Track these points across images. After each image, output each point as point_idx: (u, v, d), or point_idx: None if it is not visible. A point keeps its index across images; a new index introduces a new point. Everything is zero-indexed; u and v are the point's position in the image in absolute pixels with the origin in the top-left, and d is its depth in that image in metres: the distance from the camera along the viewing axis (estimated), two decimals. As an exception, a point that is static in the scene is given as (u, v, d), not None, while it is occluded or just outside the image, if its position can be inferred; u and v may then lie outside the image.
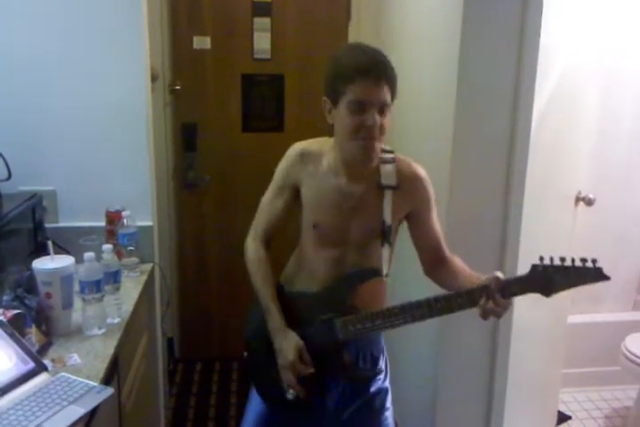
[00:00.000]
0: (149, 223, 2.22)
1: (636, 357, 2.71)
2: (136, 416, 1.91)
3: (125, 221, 2.05)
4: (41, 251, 1.85)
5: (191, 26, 3.18)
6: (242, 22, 3.22)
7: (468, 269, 1.64)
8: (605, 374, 3.15)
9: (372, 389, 1.75)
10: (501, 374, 2.15)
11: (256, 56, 3.26)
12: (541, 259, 1.39)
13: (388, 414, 1.80)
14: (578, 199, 2.55)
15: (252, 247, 1.72)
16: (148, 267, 2.16)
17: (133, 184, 2.20)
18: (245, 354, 1.79)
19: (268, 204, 1.72)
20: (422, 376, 2.37)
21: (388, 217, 1.60)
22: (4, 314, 1.45)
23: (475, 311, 2.09)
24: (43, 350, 1.52)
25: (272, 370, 1.65)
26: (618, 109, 3.09)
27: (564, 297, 2.66)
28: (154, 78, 2.79)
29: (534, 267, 1.40)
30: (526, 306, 2.20)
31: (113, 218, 2.09)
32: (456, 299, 1.47)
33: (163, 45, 3.16)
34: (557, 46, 2.07)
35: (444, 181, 2.07)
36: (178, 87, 3.20)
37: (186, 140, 3.28)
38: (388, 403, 1.80)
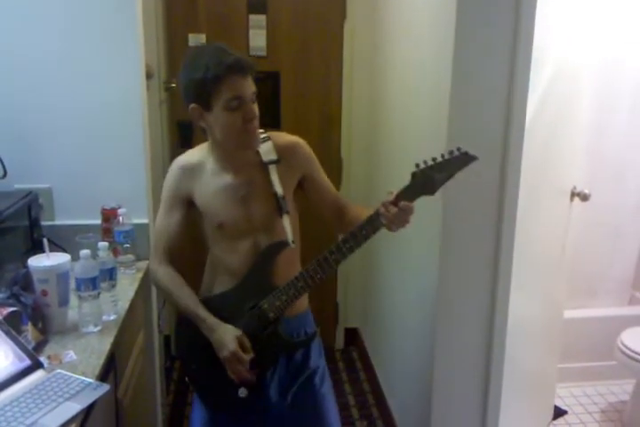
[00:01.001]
0: (145, 221, 2.23)
1: (632, 351, 2.72)
2: (133, 413, 1.91)
3: (121, 218, 2.06)
4: (37, 249, 1.85)
5: (186, 23, 3.18)
6: (237, 19, 3.22)
7: (365, 209, 1.69)
8: (601, 369, 3.17)
9: (310, 366, 1.79)
10: (497, 369, 2.16)
11: (251, 53, 3.26)
12: (417, 165, 1.46)
13: (329, 392, 1.84)
14: (573, 194, 2.56)
15: (160, 270, 1.73)
16: (144, 264, 2.15)
17: (129, 182, 2.21)
18: (187, 379, 1.84)
19: (163, 224, 1.74)
20: (418, 372, 2.38)
21: (278, 189, 1.67)
22: (-1, 312, 1.46)
23: (471, 308, 2.12)
24: (39, 347, 1.52)
25: (214, 379, 1.69)
26: (613, 105, 3.10)
27: (560, 292, 2.68)
28: (149, 76, 2.79)
29: (413, 174, 1.46)
30: (522, 302, 2.21)
31: (109, 215, 2.09)
32: (360, 231, 1.52)
33: (158, 43, 3.16)
34: (552, 42, 2.08)
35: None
36: (173, 85, 3.20)
37: (182, 137, 3.28)
38: (327, 383, 1.84)
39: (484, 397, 2.20)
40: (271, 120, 3.34)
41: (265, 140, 1.70)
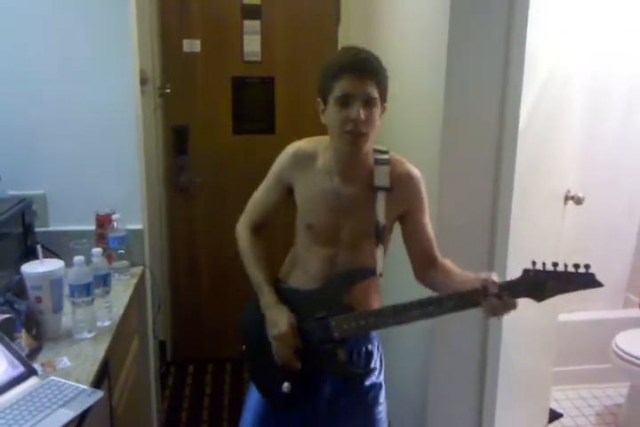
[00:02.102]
0: (139, 226, 2.23)
1: (627, 354, 2.73)
2: (128, 419, 1.91)
3: (115, 224, 2.06)
4: (30, 255, 1.84)
5: (181, 29, 3.19)
6: (231, 25, 3.23)
7: (460, 270, 1.64)
8: (596, 372, 3.17)
9: (366, 383, 1.76)
10: (492, 372, 2.16)
11: (246, 59, 3.27)
12: (534, 263, 1.39)
13: (382, 409, 1.82)
14: (567, 198, 2.57)
15: (244, 234, 1.75)
16: (138, 270, 2.16)
17: (123, 187, 2.20)
18: (244, 347, 1.80)
19: (260, 196, 1.76)
20: (413, 375, 2.38)
21: (381, 218, 1.62)
22: (-7, 318, 1.46)
23: (466, 312, 2.12)
24: (32, 354, 1.52)
25: (270, 362, 1.66)
26: (605, 109, 3.11)
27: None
28: (144, 82, 2.80)
29: (526, 271, 1.40)
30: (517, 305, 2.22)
31: (103, 221, 2.09)
32: (447, 301, 1.49)
33: (152, 48, 3.16)
34: (544, 48, 2.09)
35: (432, 182, 2.07)
36: (168, 90, 3.21)
37: (176, 143, 3.29)
38: (382, 398, 1.82)
39: (479, 400, 2.21)
40: (266, 125, 3.35)
41: (384, 162, 1.64)
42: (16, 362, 1.40)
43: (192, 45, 3.20)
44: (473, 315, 2.11)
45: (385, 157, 1.66)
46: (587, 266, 1.36)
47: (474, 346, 2.15)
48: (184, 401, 3.11)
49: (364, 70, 1.53)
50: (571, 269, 1.36)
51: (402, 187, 1.64)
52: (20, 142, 2.12)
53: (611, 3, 2.93)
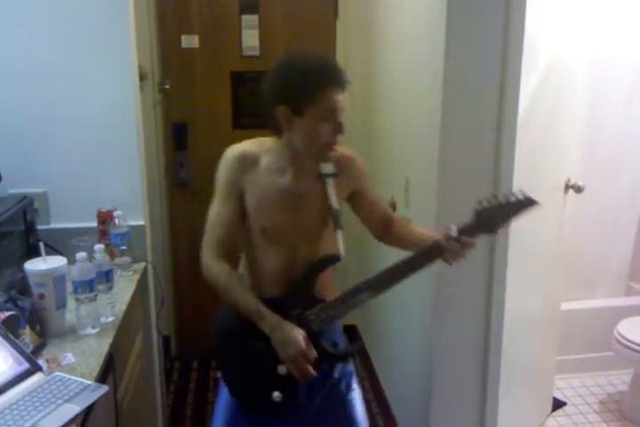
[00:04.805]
0: (141, 222, 2.24)
1: (629, 341, 2.74)
2: (133, 414, 1.93)
3: (117, 220, 2.07)
4: (33, 253, 1.86)
5: (179, 25, 3.19)
6: (229, 20, 3.23)
7: (412, 225, 1.81)
8: (599, 360, 3.18)
9: (336, 373, 1.77)
10: (495, 361, 2.17)
11: (244, 53, 3.27)
12: (480, 202, 1.51)
13: (356, 395, 1.82)
14: (567, 187, 2.57)
15: (215, 266, 1.66)
16: (141, 266, 2.17)
17: (124, 184, 2.21)
18: (219, 374, 1.80)
19: (219, 213, 1.68)
20: (416, 367, 2.39)
21: (334, 202, 1.66)
22: (-3, 316, 1.47)
23: (469, 303, 2.13)
24: (37, 350, 1.53)
25: (256, 375, 1.65)
26: (607, 97, 3.10)
27: (557, 284, 2.70)
28: (143, 78, 2.80)
29: (478, 213, 1.53)
30: (520, 295, 2.23)
31: (105, 218, 2.10)
32: (418, 260, 1.56)
33: (151, 45, 3.17)
34: (544, 35, 2.09)
35: (432, 173, 2.08)
36: (167, 86, 3.21)
37: (176, 138, 3.29)
38: (355, 384, 1.83)
39: (482, 389, 2.22)
40: (265, 121, 3.35)
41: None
42: (21, 358, 1.41)
43: (190, 41, 3.20)
44: (475, 305, 2.13)
45: None
46: (521, 191, 1.51)
47: (477, 335, 2.17)
48: (188, 396, 3.13)
49: (345, 83, 1.56)
50: (512, 199, 1.51)
51: (346, 170, 1.70)
52: (20, 141, 2.12)
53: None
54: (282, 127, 1.58)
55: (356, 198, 1.76)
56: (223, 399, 1.78)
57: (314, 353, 1.57)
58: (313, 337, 1.60)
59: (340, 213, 1.66)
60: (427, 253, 1.57)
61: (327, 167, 1.67)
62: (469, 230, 1.54)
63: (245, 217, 1.67)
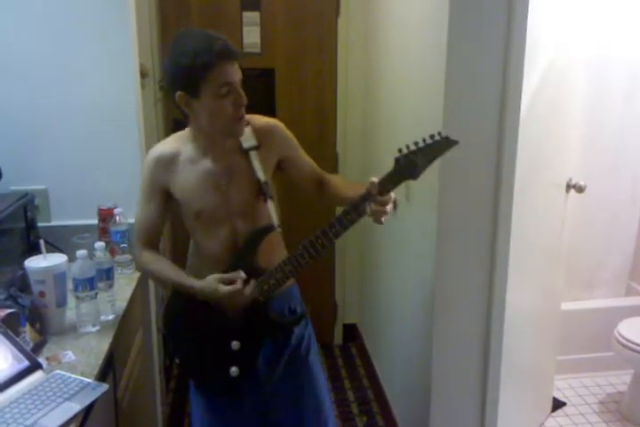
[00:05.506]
0: (142, 220, 2.23)
1: (629, 342, 2.73)
2: (133, 412, 1.92)
3: (118, 218, 2.06)
4: (33, 250, 1.85)
5: (180, 21, 3.18)
6: (231, 17, 3.22)
7: (345, 180, 1.80)
8: (599, 360, 3.18)
9: (293, 340, 1.81)
10: (495, 361, 2.17)
11: (246, 50, 3.25)
12: (399, 150, 1.47)
13: (316, 359, 1.86)
14: (569, 186, 2.57)
15: (143, 255, 1.76)
16: (141, 264, 2.17)
17: (125, 181, 2.20)
18: (177, 361, 1.86)
19: (142, 216, 1.76)
20: (416, 366, 2.39)
21: (261, 175, 1.68)
22: (-3, 313, 1.46)
23: (469, 302, 2.13)
24: (37, 348, 1.53)
25: (205, 361, 1.71)
26: (607, 96, 3.09)
27: (557, 284, 2.69)
28: (144, 75, 2.79)
29: (397, 160, 1.47)
30: (520, 295, 2.22)
31: (105, 215, 2.10)
32: (346, 216, 1.52)
33: (152, 42, 3.15)
34: (545, 34, 2.08)
35: (433, 171, 2.07)
36: (168, 83, 3.20)
37: (177, 136, 3.28)
38: (313, 350, 1.86)
39: (482, 389, 2.22)
40: (266, 116, 3.34)
41: (245, 125, 1.69)
42: (21, 356, 1.41)
43: (191, 38, 3.19)
44: (475, 305, 2.13)
45: None
46: (439, 133, 1.44)
47: (476, 336, 2.16)
48: (188, 394, 3.11)
49: (235, 54, 1.55)
50: (429, 141, 1.44)
51: (268, 139, 1.71)
52: (20, 138, 2.12)
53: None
54: (187, 113, 1.61)
55: (285, 164, 1.77)
56: (195, 408, 1.86)
57: (236, 275, 1.61)
58: (261, 308, 1.65)
59: (268, 185, 1.68)
60: (353, 210, 1.50)
61: (248, 141, 1.68)
62: (391, 179, 1.48)
63: (179, 207, 1.73)
